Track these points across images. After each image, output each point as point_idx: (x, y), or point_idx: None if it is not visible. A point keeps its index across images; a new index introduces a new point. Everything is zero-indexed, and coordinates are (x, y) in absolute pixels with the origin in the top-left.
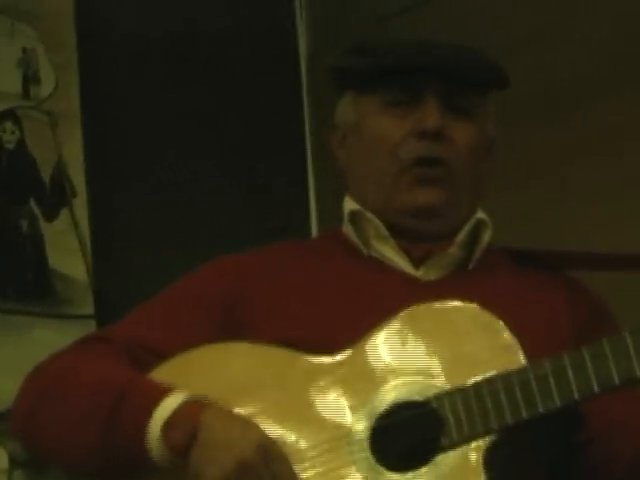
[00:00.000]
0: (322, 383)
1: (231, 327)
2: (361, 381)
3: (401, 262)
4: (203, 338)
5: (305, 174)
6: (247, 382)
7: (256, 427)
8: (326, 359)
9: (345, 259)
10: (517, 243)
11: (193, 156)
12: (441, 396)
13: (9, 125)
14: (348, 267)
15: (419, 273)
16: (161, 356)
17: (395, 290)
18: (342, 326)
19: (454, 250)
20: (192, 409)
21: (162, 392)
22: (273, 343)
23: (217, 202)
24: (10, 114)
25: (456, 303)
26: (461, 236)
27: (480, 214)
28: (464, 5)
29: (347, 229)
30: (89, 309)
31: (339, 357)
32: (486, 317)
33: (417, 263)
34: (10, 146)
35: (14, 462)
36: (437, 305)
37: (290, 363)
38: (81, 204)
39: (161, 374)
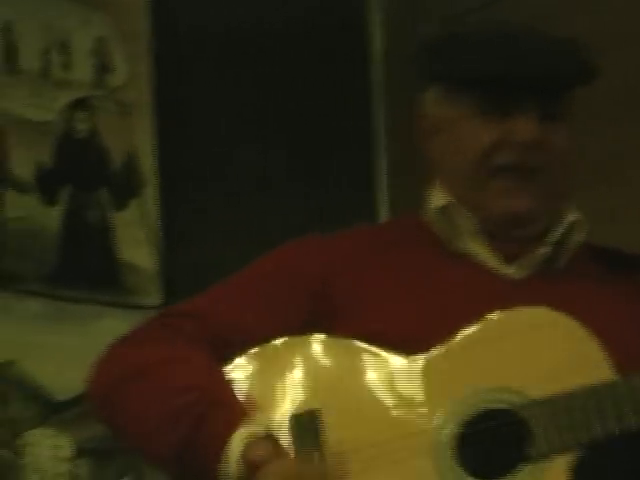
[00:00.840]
0: (406, 383)
1: (315, 312)
2: (446, 383)
3: (491, 259)
4: (287, 321)
5: (372, 171)
6: (328, 378)
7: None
8: (411, 358)
9: (432, 252)
10: (604, 242)
11: (263, 148)
12: (529, 406)
13: (81, 114)
14: (436, 261)
15: (509, 271)
16: (242, 338)
17: (485, 288)
18: (430, 324)
19: (545, 249)
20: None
21: (235, 425)
22: (356, 336)
23: (286, 193)
24: (83, 103)
25: (546, 310)
26: (553, 237)
27: (574, 214)
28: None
29: (434, 221)
30: (157, 299)
31: (425, 356)
32: (575, 327)
33: (506, 261)
34: (82, 135)
35: (79, 450)
36: (526, 310)
37: (373, 360)
38: (151, 194)
39: (241, 369)
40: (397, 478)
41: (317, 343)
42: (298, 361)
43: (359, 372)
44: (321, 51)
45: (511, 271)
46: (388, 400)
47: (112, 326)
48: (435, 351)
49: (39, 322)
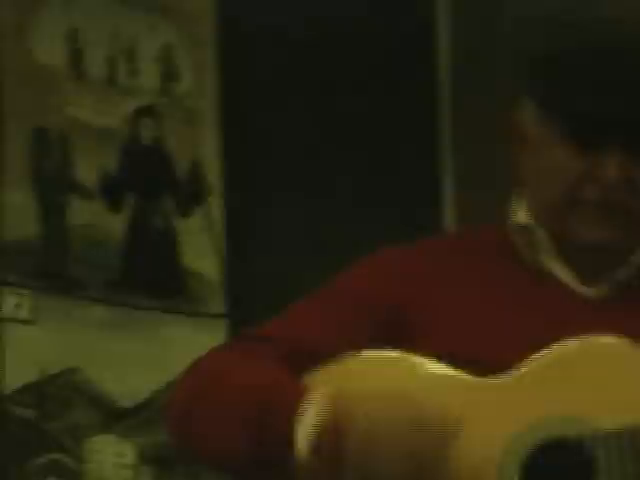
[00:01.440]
0: (478, 407)
1: (393, 329)
2: (518, 409)
3: (570, 279)
4: (364, 340)
5: (438, 186)
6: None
7: None
8: (486, 380)
9: (512, 268)
10: None
11: (329, 157)
12: (596, 437)
13: (147, 121)
14: (515, 277)
15: (589, 291)
16: (321, 359)
17: (563, 308)
18: (511, 345)
19: (627, 270)
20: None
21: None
22: (433, 355)
23: (351, 202)
24: (148, 110)
25: (622, 341)
26: (637, 258)
27: None
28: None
29: (516, 237)
30: (221, 308)
31: (500, 379)
32: None
33: (586, 280)
34: (147, 142)
35: (142, 457)
36: (602, 340)
37: (447, 382)
38: (216, 202)
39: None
40: None
41: (388, 361)
42: (368, 380)
43: (432, 394)
44: (387, 60)
45: (591, 291)
46: (457, 425)
47: (176, 334)
48: (512, 373)
49: (103, 329)
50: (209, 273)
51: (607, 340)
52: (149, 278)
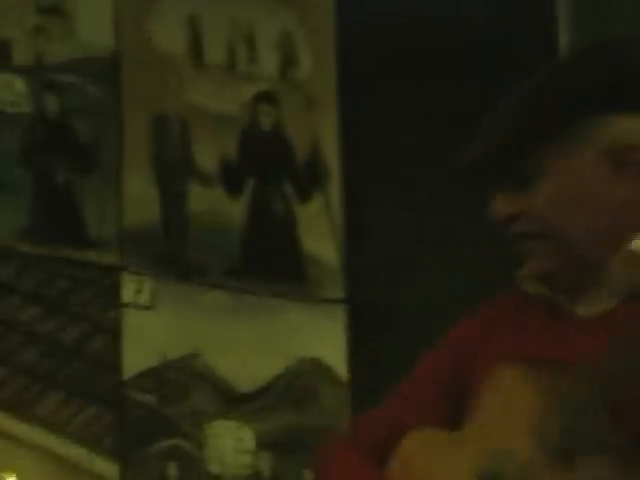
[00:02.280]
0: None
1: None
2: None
3: (559, 299)
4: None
5: None
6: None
7: None
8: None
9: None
10: None
11: (449, 140)
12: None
13: (266, 107)
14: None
15: (578, 310)
16: None
17: (555, 329)
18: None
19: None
20: None
21: None
22: None
23: (465, 190)
24: (267, 96)
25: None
26: (607, 275)
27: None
28: None
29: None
30: (340, 293)
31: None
32: None
33: (575, 300)
34: (266, 128)
35: (261, 443)
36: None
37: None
38: (335, 187)
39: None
40: None
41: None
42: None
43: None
44: (508, 48)
45: (580, 310)
46: None
47: (295, 319)
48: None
49: (223, 314)
50: (328, 258)
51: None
52: (268, 264)
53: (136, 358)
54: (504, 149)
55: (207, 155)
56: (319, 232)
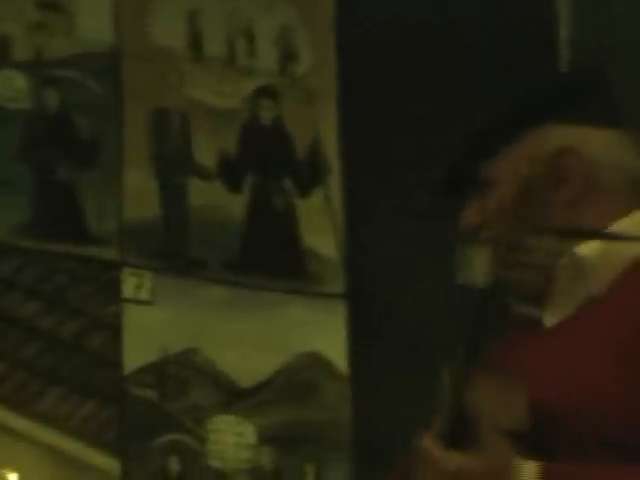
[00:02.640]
0: None
1: None
2: None
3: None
4: None
5: None
6: None
7: None
8: None
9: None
10: None
11: (449, 136)
12: None
13: (266, 101)
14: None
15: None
16: None
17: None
18: None
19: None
20: None
21: None
22: None
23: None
24: (267, 91)
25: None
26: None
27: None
28: None
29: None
30: (340, 288)
31: None
32: None
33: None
34: (266, 122)
35: (262, 438)
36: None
37: None
38: (335, 182)
39: None
40: None
41: None
42: None
43: None
44: (508, 47)
45: (546, 319)
46: None
47: (295, 314)
48: None
49: (222, 309)
50: (329, 253)
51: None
52: (269, 258)
53: (136, 353)
54: (466, 160)
55: (207, 149)
56: (319, 227)
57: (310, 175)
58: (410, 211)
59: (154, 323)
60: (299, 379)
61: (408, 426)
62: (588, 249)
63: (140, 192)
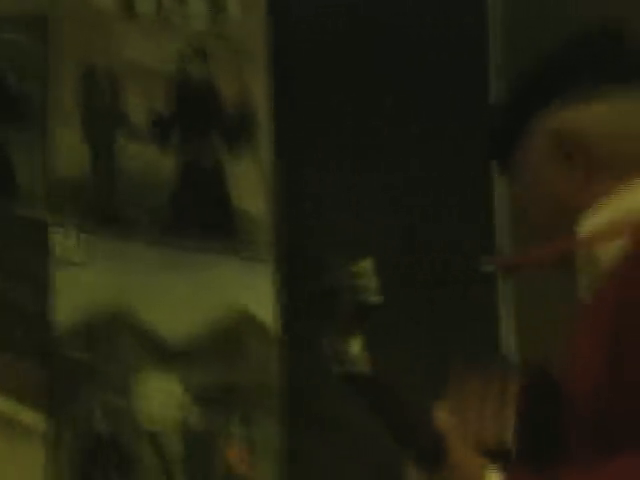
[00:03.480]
0: None
1: None
2: None
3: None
4: None
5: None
6: None
7: None
8: None
9: None
10: None
11: (377, 97)
12: None
13: (196, 59)
14: None
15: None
16: None
17: None
18: None
19: None
20: None
21: None
22: None
23: (400, 140)
24: (197, 48)
25: None
26: None
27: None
28: None
29: None
30: (271, 249)
31: None
32: None
33: None
34: (197, 81)
35: (190, 397)
36: None
37: None
38: (265, 141)
39: None
40: None
41: None
42: None
43: None
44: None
45: (582, 294)
46: None
47: (226, 274)
48: None
49: (153, 270)
50: (259, 214)
51: None
52: (199, 219)
53: (67, 313)
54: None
55: (137, 108)
56: (250, 187)
57: (240, 135)
58: (341, 171)
59: (84, 283)
60: (228, 340)
61: (336, 387)
62: (589, 227)
63: (70, 151)
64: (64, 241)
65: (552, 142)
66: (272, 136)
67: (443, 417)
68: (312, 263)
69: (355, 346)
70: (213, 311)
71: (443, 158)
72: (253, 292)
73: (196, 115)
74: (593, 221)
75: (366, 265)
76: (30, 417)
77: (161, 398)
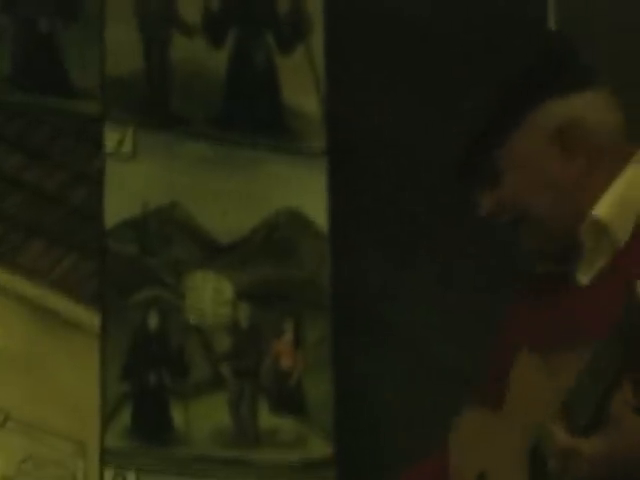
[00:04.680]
0: None
1: None
2: None
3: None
4: None
5: None
6: None
7: None
8: None
9: None
10: None
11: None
12: None
13: None
14: None
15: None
16: None
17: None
18: None
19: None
20: None
21: None
22: None
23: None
24: None
25: None
26: None
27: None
28: None
29: None
30: (321, 145)
31: None
32: None
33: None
34: None
35: (239, 294)
36: None
37: None
38: (317, 38)
39: None
40: None
41: None
42: None
43: None
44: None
45: (581, 278)
46: None
47: (276, 171)
48: None
49: (204, 165)
50: (310, 110)
51: None
52: (250, 114)
53: (118, 208)
54: (474, 151)
55: (190, 4)
56: (301, 84)
57: (292, 32)
58: (393, 68)
59: (136, 178)
60: (278, 236)
61: (385, 287)
62: (604, 208)
63: (123, 46)
64: (116, 136)
65: (549, 135)
66: (324, 33)
67: None
68: (361, 160)
69: None
70: (262, 207)
71: None
72: (303, 189)
73: (249, 12)
74: (606, 200)
75: None
76: (80, 313)
77: (210, 294)
